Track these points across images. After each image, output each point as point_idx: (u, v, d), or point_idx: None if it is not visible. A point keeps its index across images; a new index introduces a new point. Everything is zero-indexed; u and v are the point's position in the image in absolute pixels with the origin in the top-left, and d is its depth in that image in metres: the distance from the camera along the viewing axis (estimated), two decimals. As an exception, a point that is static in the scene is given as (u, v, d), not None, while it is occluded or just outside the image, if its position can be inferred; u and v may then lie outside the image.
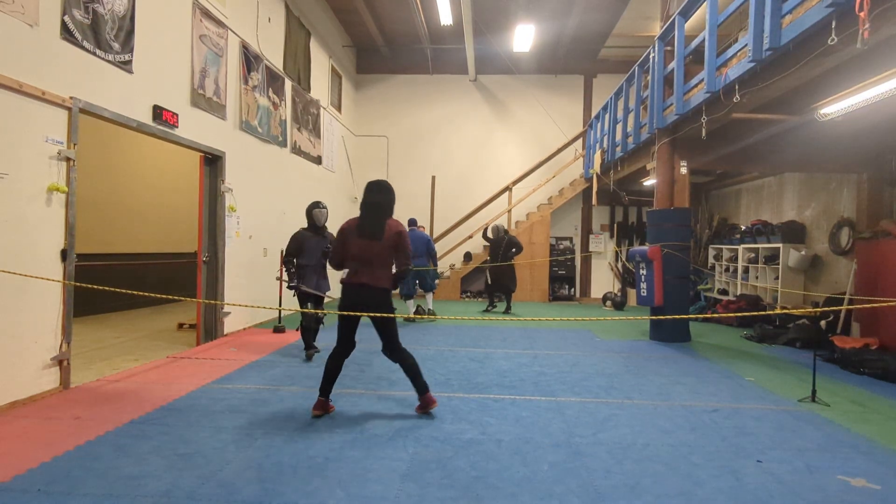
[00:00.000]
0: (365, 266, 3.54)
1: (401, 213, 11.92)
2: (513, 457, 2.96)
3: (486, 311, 9.30)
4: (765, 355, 5.91)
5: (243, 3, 6.82)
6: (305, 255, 5.31)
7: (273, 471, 2.72)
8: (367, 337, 6.56)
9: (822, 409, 3.94)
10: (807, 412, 3.85)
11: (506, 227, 9.43)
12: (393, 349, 3.63)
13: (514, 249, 9.09)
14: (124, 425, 3.30)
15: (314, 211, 5.39)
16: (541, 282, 11.34)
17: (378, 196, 3.97)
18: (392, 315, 3.55)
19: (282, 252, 5.36)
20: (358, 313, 3.53)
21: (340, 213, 11.33)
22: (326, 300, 5.50)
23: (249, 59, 6.89)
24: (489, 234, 9.41)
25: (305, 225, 5.51)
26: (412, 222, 8.67)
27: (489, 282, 9.43)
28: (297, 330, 5.54)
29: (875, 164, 6.97)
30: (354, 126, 12.24)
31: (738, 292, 9.18)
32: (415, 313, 8.01)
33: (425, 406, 3.60)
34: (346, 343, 3.63)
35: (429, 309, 7.76)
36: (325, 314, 5.39)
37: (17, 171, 3.62)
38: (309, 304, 5.34)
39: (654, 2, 8.73)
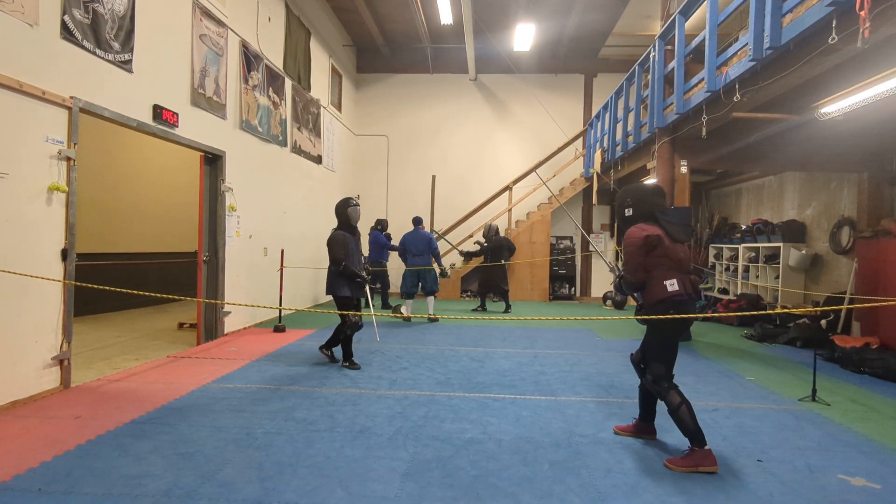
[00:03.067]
0: None
1: (401, 213, 12.02)
2: (513, 456, 2.96)
3: (476, 310, 9.29)
4: (765, 354, 5.91)
5: (243, 3, 6.82)
6: (349, 257, 4.86)
7: (273, 470, 2.72)
8: (367, 336, 6.58)
9: (823, 408, 3.94)
10: (807, 411, 3.85)
11: (497, 228, 9.42)
12: None
13: (506, 251, 9.10)
14: (125, 425, 3.30)
15: (348, 209, 4.97)
16: (541, 281, 11.34)
17: None
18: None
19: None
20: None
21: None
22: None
23: (249, 59, 6.88)
24: (482, 235, 9.45)
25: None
26: (417, 221, 8.68)
27: (480, 282, 9.47)
28: (325, 349, 5.13)
29: (875, 164, 6.97)
30: (355, 125, 12.24)
31: (739, 291, 9.18)
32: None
33: (650, 433, 3.29)
34: None
35: (430, 315, 7.51)
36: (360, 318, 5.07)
37: (18, 170, 3.62)
38: (352, 310, 4.91)
39: (654, 1, 8.72)
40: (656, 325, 2.98)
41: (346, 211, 4.99)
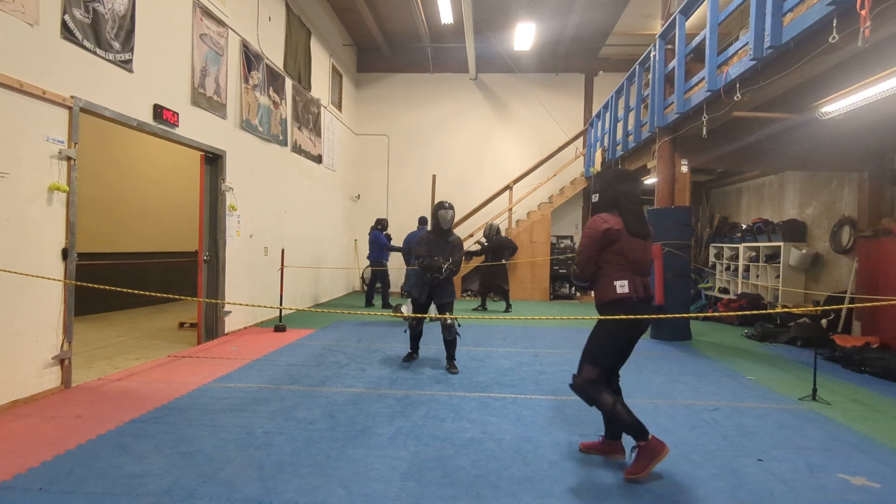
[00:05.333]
0: None
1: (401, 212, 12.02)
2: (513, 456, 2.97)
3: (476, 310, 9.29)
4: (765, 354, 5.91)
5: (243, 2, 6.82)
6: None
7: (274, 469, 2.72)
8: (368, 336, 6.59)
9: (823, 407, 3.94)
10: (807, 411, 3.85)
11: (498, 228, 9.41)
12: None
13: (507, 251, 9.10)
14: (125, 424, 3.31)
15: (440, 212, 5.07)
16: (541, 280, 11.34)
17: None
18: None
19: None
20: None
21: (340, 214, 11.34)
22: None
23: (250, 58, 6.88)
24: (483, 235, 9.44)
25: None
26: (422, 221, 8.67)
27: (480, 282, 9.47)
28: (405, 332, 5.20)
29: (876, 163, 6.96)
30: (355, 125, 12.24)
31: (739, 291, 9.18)
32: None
33: (619, 451, 3.01)
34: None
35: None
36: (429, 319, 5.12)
37: (18, 170, 3.62)
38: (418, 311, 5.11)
39: (654, 0, 8.71)
40: (603, 326, 2.77)
41: (436, 214, 5.13)
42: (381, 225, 9.40)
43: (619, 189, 2.78)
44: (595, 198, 2.87)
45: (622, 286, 2.68)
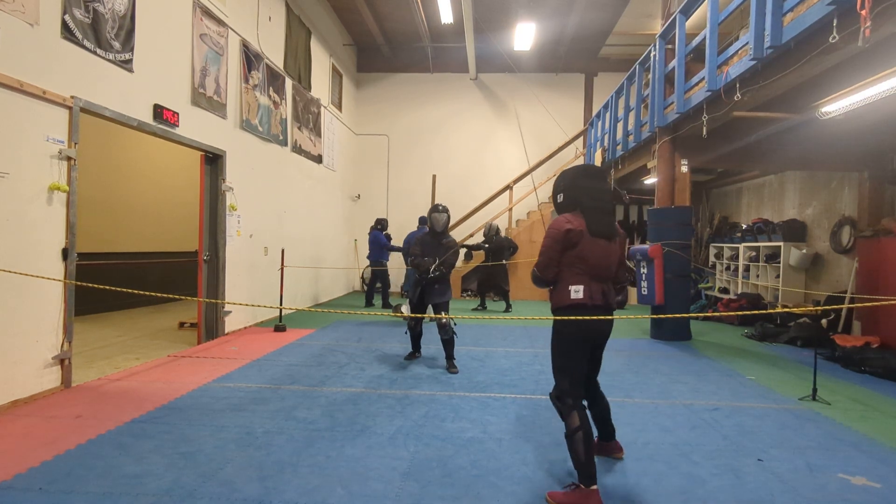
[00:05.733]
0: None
1: (402, 212, 12.02)
2: (513, 455, 2.97)
3: (476, 309, 9.29)
4: (766, 354, 5.91)
5: (243, 2, 6.82)
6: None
7: (274, 469, 2.72)
8: (368, 336, 6.59)
9: (823, 407, 3.94)
10: (807, 410, 3.85)
11: (498, 228, 9.41)
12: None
13: (507, 251, 9.10)
14: (125, 424, 3.31)
15: (433, 216, 5.15)
16: (541, 280, 11.31)
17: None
18: None
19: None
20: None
21: (340, 214, 11.34)
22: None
23: (250, 58, 6.88)
24: (483, 235, 9.44)
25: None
26: (423, 220, 8.66)
27: (479, 281, 9.45)
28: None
29: (876, 163, 6.96)
30: (355, 125, 12.24)
31: (739, 291, 9.17)
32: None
33: (617, 450, 2.98)
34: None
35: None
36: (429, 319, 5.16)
37: (18, 170, 3.62)
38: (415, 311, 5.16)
39: (654, 0, 8.71)
40: (556, 331, 2.64)
41: (430, 216, 5.20)
42: (380, 225, 9.40)
43: (582, 187, 2.62)
44: (559, 197, 2.69)
45: (577, 291, 2.54)
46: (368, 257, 9.28)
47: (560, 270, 2.60)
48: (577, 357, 2.59)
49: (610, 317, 2.63)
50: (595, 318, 2.54)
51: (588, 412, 2.70)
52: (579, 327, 2.55)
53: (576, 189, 2.63)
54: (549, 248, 2.59)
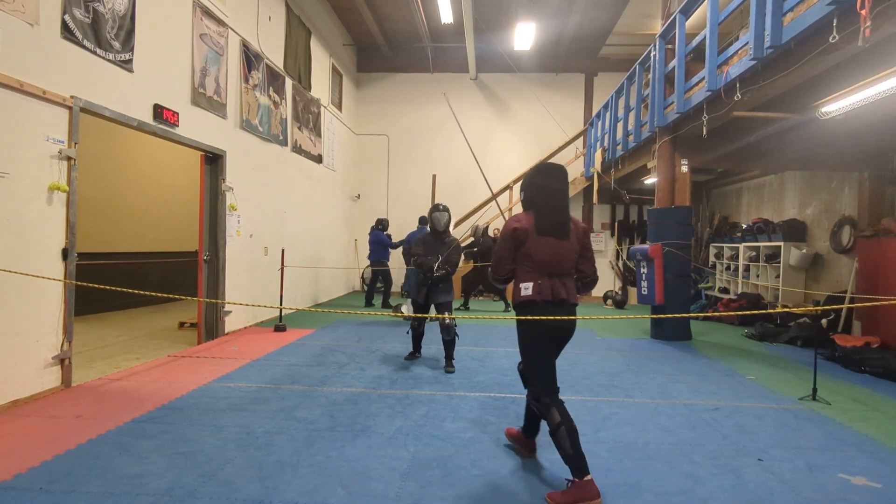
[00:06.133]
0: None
1: (402, 212, 12.02)
2: (514, 455, 2.97)
3: (458, 309, 9.23)
4: (766, 354, 5.91)
5: (243, 2, 6.82)
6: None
7: (274, 469, 2.72)
8: (368, 336, 6.59)
9: (823, 407, 3.94)
10: (808, 410, 3.85)
11: (485, 229, 9.37)
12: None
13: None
14: (125, 424, 3.31)
15: (434, 215, 5.14)
16: (541, 280, 11.31)
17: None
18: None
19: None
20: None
21: (340, 213, 11.34)
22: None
23: (250, 58, 6.88)
24: (471, 236, 9.40)
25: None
26: (423, 220, 8.66)
27: (466, 279, 9.37)
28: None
29: (876, 163, 6.96)
30: (355, 125, 12.24)
31: (739, 291, 9.17)
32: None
33: (530, 449, 2.99)
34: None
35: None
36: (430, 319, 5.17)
37: (18, 170, 3.62)
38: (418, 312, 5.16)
39: (654, 0, 8.71)
40: (518, 330, 2.68)
41: (430, 216, 5.19)
42: (381, 225, 9.39)
43: (537, 185, 2.66)
44: (521, 195, 2.75)
45: (526, 289, 2.58)
46: (369, 257, 9.27)
47: (515, 268, 2.65)
48: (543, 355, 2.63)
49: (570, 317, 2.61)
50: (552, 318, 2.54)
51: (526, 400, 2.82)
52: (536, 325, 2.58)
53: (532, 188, 2.68)
54: (500, 246, 2.66)
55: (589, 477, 2.40)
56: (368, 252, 9.29)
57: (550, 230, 2.58)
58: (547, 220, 2.59)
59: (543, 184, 2.66)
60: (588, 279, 2.74)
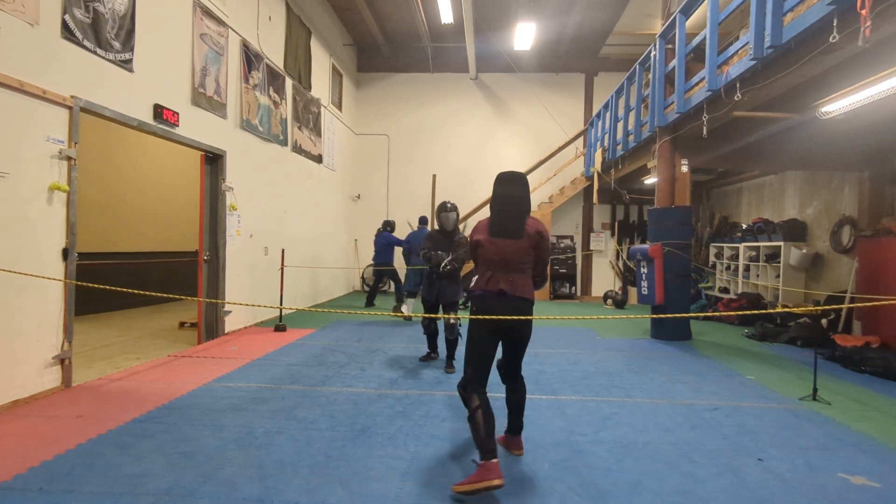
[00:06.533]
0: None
1: (402, 212, 12.02)
2: (513, 455, 2.97)
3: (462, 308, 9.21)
4: (766, 353, 5.91)
5: (244, 2, 6.82)
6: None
7: (274, 469, 2.72)
8: (368, 336, 6.59)
9: (823, 407, 3.94)
10: (808, 410, 3.85)
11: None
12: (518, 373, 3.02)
13: None
14: (126, 424, 3.31)
15: (442, 215, 5.08)
16: (542, 280, 11.31)
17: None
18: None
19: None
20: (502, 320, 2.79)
21: (340, 213, 11.34)
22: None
23: (250, 58, 6.88)
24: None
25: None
26: (423, 220, 8.65)
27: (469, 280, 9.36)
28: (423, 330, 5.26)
29: (876, 162, 6.96)
30: (355, 125, 12.24)
31: (739, 290, 9.18)
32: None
33: (515, 447, 3.05)
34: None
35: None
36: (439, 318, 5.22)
37: (18, 170, 3.63)
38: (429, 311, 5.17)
39: (655, 0, 8.71)
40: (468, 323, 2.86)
41: (438, 216, 5.16)
42: (389, 227, 9.35)
43: (496, 192, 2.95)
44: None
45: (475, 282, 2.84)
46: (375, 259, 9.17)
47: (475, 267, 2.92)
48: (481, 347, 2.76)
49: (516, 316, 2.74)
50: (504, 318, 2.70)
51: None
52: (480, 318, 2.74)
53: (493, 195, 2.98)
54: (468, 251, 2.97)
55: (495, 460, 2.50)
56: (374, 254, 9.20)
57: (502, 232, 2.82)
58: (498, 224, 2.85)
59: (499, 191, 2.95)
60: (535, 280, 2.91)
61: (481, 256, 2.84)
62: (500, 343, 2.85)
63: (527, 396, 2.98)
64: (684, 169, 6.78)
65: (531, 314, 2.81)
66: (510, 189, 2.93)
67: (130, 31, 4.69)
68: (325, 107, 9.92)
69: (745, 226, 9.41)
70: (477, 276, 2.85)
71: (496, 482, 2.40)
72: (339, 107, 11.12)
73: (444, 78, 12.23)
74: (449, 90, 12.27)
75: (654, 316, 6.64)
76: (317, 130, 9.51)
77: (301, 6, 8.71)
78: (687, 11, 5.93)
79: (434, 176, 11.79)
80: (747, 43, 4.61)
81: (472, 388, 2.70)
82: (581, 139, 11.83)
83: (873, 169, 7.00)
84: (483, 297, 2.77)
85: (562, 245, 11.95)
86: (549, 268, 11.29)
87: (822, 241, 7.97)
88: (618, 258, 11.72)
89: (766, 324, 7.06)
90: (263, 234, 7.37)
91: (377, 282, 9.36)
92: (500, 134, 12.26)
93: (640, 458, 2.94)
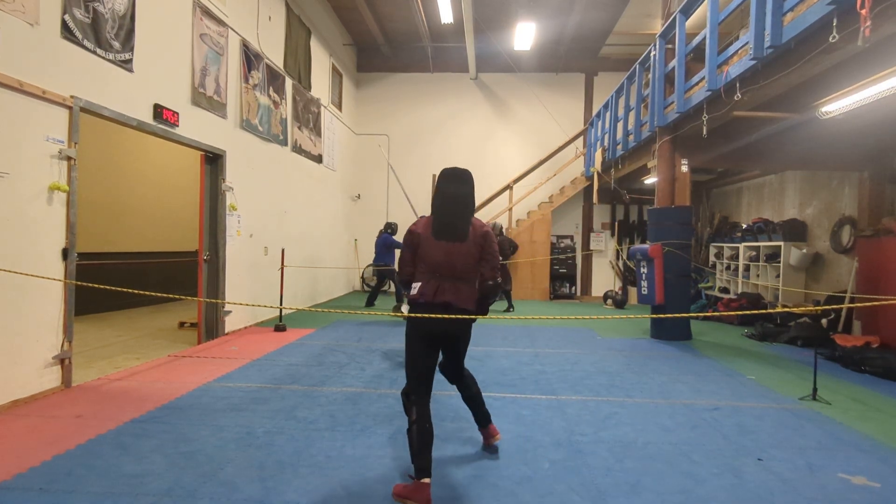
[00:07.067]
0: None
1: (402, 212, 12.00)
2: (513, 455, 2.97)
3: None
4: (766, 353, 5.91)
5: (244, 2, 6.81)
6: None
7: (274, 469, 2.72)
8: (368, 336, 6.58)
9: (823, 407, 3.94)
10: (808, 410, 3.85)
11: (501, 227, 9.39)
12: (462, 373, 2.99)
13: (510, 250, 9.09)
14: (126, 424, 3.31)
15: None
16: (542, 280, 11.34)
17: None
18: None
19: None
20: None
21: (340, 213, 11.34)
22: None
23: (250, 58, 6.88)
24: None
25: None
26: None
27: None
28: None
29: (876, 162, 6.96)
30: (355, 124, 12.24)
31: (739, 290, 9.17)
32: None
33: (490, 436, 3.04)
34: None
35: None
36: None
37: (18, 170, 3.62)
38: None
39: (655, 0, 8.71)
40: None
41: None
42: (390, 229, 9.34)
43: (439, 189, 2.71)
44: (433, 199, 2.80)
45: (414, 288, 2.65)
46: (375, 260, 9.14)
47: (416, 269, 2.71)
48: (416, 354, 2.64)
49: (460, 325, 2.67)
50: (428, 316, 2.59)
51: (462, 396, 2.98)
52: (413, 324, 2.64)
53: (435, 192, 2.73)
54: (403, 248, 2.75)
55: (427, 480, 2.39)
56: (375, 256, 9.18)
57: (444, 233, 2.63)
58: (440, 224, 2.64)
59: (443, 188, 2.71)
60: (487, 284, 2.68)
61: (422, 258, 2.64)
62: (440, 349, 2.76)
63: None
64: (684, 169, 6.78)
65: (470, 323, 2.74)
66: (456, 187, 2.70)
67: (130, 31, 4.69)
68: (324, 107, 9.92)
69: (745, 226, 9.41)
70: (420, 283, 2.63)
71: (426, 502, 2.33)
72: (339, 107, 11.12)
73: (444, 78, 12.23)
74: (449, 90, 12.27)
75: (654, 316, 6.64)
76: (317, 130, 9.51)
77: (301, 6, 8.70)
78: (687, 11, 5.93)
79: (434, 176, 11.75)
80: (747, 43, 4.61)
81: (415, 396, 2.58)
82: (581, 139, 11.83)
83: (873, 169, 7.00)
84: (428, 306, 2.60)
85: (562, 245, 11.95)
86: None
87: (822, 240, 7.97)
88: (618, 258, 11.72)
89: (766, 324, 7.06)
90: (263, 233, 7.36)
91: (379, 283, 9.35)
92: (500, 134, 12.26)
93: (640, 458, 2.94)
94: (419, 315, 2.60)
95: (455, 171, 2.75)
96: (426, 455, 2.43)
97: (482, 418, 3.00)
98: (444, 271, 2.63)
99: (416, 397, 2.58)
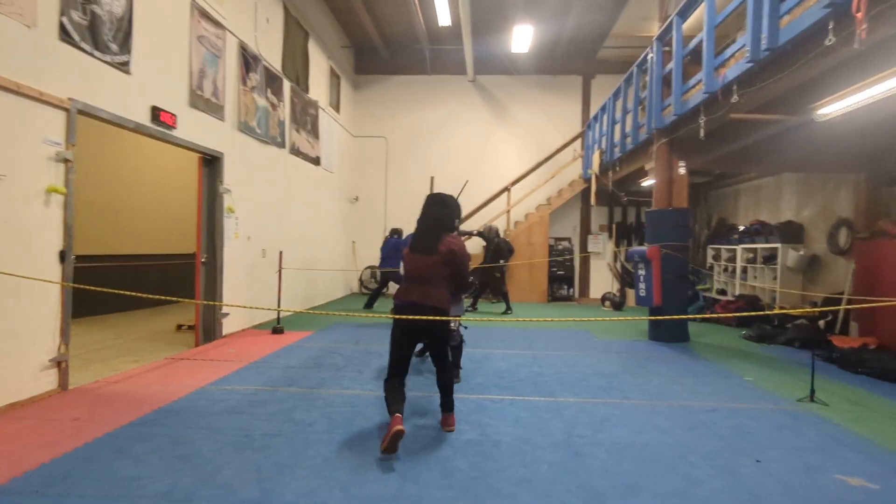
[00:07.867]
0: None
1: (400, 214, 12.02)
2: (512, 457, 2.96)
3: (467, 310, 9.23)
4: (763, 355, 5.92)
5: (241, 4, 6.82)
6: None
7: (272, 472, 2.71)
8: (366, 338, 6.58)
9: (821, 408, 3.94)
10: (805, 412, 3.86)
11: (497, 230, 9.38)
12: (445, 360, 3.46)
13: (505, 253, 9.07)
14: (123, 427, 3.30)
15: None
16: (539, 282, 11.34)
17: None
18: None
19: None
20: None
21: (338, 215, 11.34)
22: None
23: (248, 60, 6.88)
24: (483, 233, 9.37)
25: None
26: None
27: (476, 283, 9.34)
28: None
29: (873, 165, 6.99)
30: (353, 127, 12.24)
31: (737, 292, 9.19)
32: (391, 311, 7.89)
33: (446, 424, 3.40)
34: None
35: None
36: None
37: (15, 172, 3.62)
38: None
39: (652, 2, 8.74)
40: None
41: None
42: (396, 234, 9.32)
43: (422, 211, 3.40)
44: None
45: (397, 290, 3.37)
46: (382, 264, 9.09)
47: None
48: (396, 346, 3.27)
49: (431, 319, 3.18)
50: (410, 317, 3.22)
51: None
52: (395, 321, 3.28)
53: (420, 214, 3.41)
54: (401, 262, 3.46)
55: (398, 415, 2.95)
56: (381, 259, 9.12)
57: (417, 248, 3.30)
58: (415, 240, 3.34)
59: (424, 210, 3.42)
60: (460, 286, 3.45)
61: (404, 268, 3.35)
62: (417, 342, 3.35)
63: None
64: (682, 171, 6.80)
65: (438, 319, 3.20)
66: (432, 210, 3.39)
67: (128, 34, 4.69)
68: (322, 109, 9.92)
69: (742, 227, 9.44)
70: (399, 286, 3.38)
71: (397, 428, 2.84)
72: (337, 109, 11.12)
73: (442, 80, 12.24)
74: (447, 92, 12.28)
75: (652, 318, 6.65)
76: (315, 132, 9.51)
77: (299, 8, 8.71)
78: (684, 14, 5.96)
79: (432, 178, 11.76)
80: (744, 45, 4.62)
81: (388, 377, 3.25)
82: (579, 141, 11.85)
83: (870, 171, 7.03)
84: (401, 306, 3.25)
85: (559, 247, 11.96)
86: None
87: (819, 242, 8.00)
88: (616, 260, 11.73)
89: (763, 325, 7.07)
90: (261, 236, 7.36)
91: (381, 286, 9.33)
92: (498, 136, 12.27)
93: (637, 460, 2.94)
94: (397, 315, 3.27)
95: (436, 196, 3.46)
96: (394, 402, 3.05)
97: (445, 405, 3.41)
98: (414, 277, 3.29)
99: (388, 378, 3.23)
